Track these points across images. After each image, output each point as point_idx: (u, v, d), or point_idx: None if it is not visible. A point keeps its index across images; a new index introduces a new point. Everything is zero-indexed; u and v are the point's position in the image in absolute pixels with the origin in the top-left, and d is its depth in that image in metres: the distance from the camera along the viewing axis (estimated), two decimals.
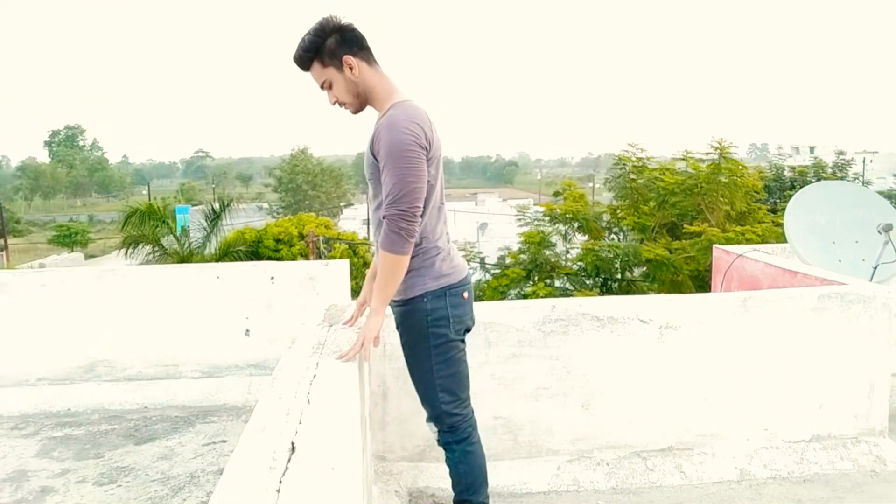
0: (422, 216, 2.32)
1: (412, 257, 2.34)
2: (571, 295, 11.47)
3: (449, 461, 2.56)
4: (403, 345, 2.51)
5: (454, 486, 2.59)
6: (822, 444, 3.38)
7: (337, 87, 2.38)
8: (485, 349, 3.15)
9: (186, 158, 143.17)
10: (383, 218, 2.28)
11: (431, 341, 2.42)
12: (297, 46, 2.38)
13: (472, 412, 2.56)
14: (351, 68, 2.34)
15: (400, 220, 2.24)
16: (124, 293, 4.49)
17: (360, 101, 2.41)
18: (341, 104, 2.42)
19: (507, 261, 12.94)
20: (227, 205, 15.16)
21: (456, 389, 2.49)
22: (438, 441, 2.55)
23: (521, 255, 12.58)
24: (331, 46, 2.32)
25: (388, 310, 2.70)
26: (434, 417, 2.51)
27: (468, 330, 2.53)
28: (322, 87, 2.41)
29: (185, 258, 13.71)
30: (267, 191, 77.82)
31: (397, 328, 2.52)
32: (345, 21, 2.35)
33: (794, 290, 3.49)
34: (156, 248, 14.30)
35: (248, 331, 4.53)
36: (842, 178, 14.53)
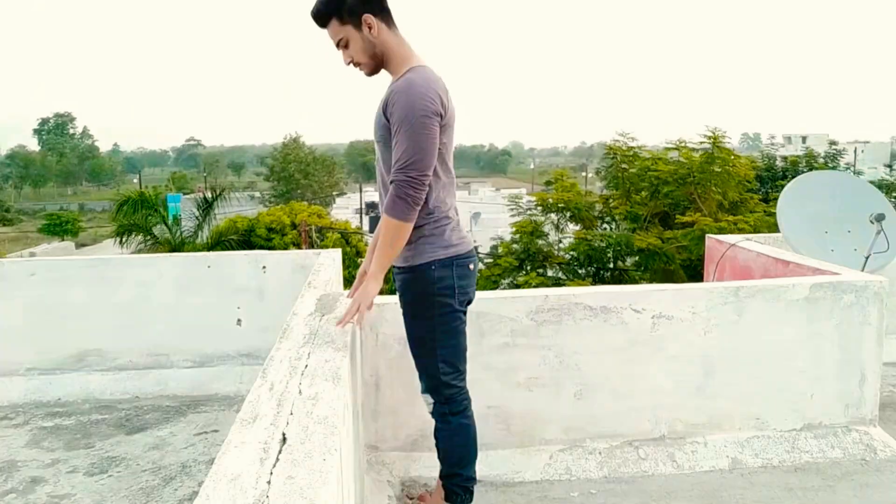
0: (433, 184, 2.29)
1: (422, 225, 2.32)
2: (564, 284, 11.49)
3: (441, 433, 2.54)
4: (405, 313, 2.48)
5: (444, 460, 2.57)
6: (813, 433, 3.39)
7: (353, 47, 2.33)
8: (478, 339, 3.13)
9: (178, 147, 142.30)
10: (391, 183, 2.25)
11: (436, 310, 2.40)
12: (316, 0, 2.32)
13: (467, 386, 2.55)
14: (370, 28, 2.29)
15: (408, 187, 2.21)
16: (115, 282, 4.45)
17: (375, 63, 2.37)
18: (356, 64, 2.37)
19: (500, 250, 12.95)
20: (219, 194, 15.11)
21: (455, 361, 2.48)
22: (432, 413, 2.53)
23: (514, 245, 12.59)
24: (351, 4, 2.27)
25: (380, 299, 2.68)
26: (431, 388, 2.49)
27: (470, 302, 2.52)
28: (338, 45, 2.36)
29: (176, 247, 13.66)
30: (259, 179, 77.50)
31: (400, 296, 2.49)
32: None
33: (787, 280, 3.50)
34: (148, 237, 14.25)
35: (239, 320, 4.51)
36: (833, 168, 14.56)
